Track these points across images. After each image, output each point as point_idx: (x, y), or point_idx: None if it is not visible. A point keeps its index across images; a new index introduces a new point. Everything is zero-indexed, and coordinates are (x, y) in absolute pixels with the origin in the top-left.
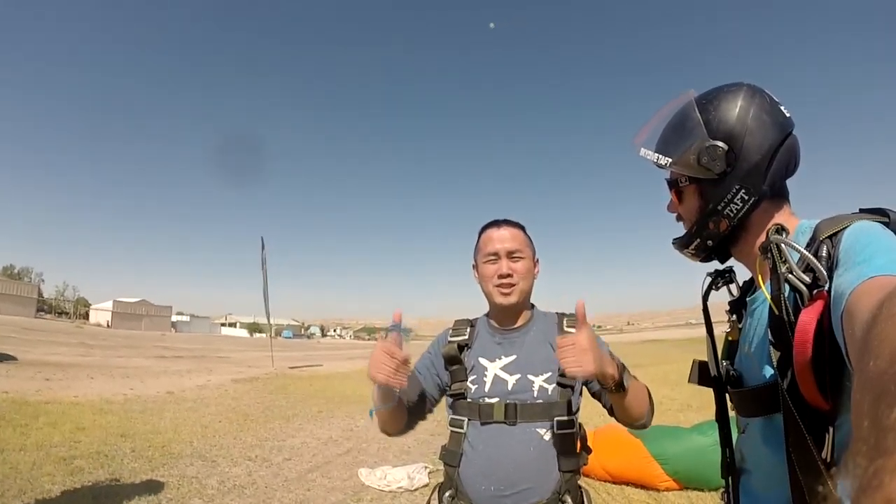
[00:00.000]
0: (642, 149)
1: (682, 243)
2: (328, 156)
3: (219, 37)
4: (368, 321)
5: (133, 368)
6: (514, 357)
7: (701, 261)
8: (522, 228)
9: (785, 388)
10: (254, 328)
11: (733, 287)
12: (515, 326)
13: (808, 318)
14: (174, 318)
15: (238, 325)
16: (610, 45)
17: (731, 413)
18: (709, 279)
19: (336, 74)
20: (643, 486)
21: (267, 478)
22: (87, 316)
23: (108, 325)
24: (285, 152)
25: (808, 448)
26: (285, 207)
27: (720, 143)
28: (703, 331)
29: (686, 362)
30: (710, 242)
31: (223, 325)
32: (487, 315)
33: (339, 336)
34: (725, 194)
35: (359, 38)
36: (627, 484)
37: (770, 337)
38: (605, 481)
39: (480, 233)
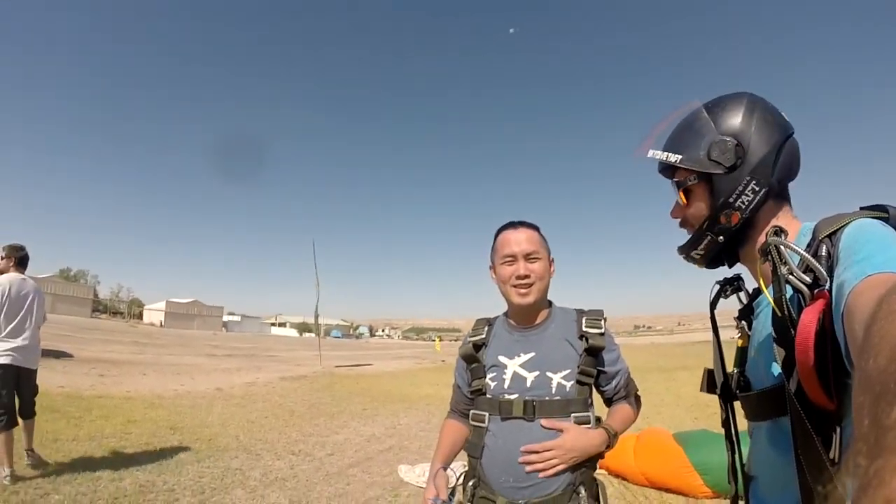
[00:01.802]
0: (650, 150)
1: (690, 244)
2: (376, 160)
3: (271, 48)
4: (417, 321)
5: (184, 366)
6: (532, 354)
7: (707, 265)
8: (537, 229)
9: (791, 390)
10: (303, 328)
11: (742, 295)
12: (534, 324)
13: (809, 318)
14: (225, 318)
15: (288, 325)
16: (626, 42)
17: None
18: (717, 287)
19: (379, 80)
20: (683, 493)
21: (308, 471)
22: (140, 316)
23: (161, 325)
24: (335, 157)
25: (815, 449)
26: (335, 210)
27: (729, 138)
28: None
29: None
30: (721, 238)
31: (273, 325)
32: (506, 314)
33: (388, 336)
34: (737, 186)
35: (401, 46)
36: (667, 490)
37: (774, 339)
38: (644, 486)
39: (497, 235)
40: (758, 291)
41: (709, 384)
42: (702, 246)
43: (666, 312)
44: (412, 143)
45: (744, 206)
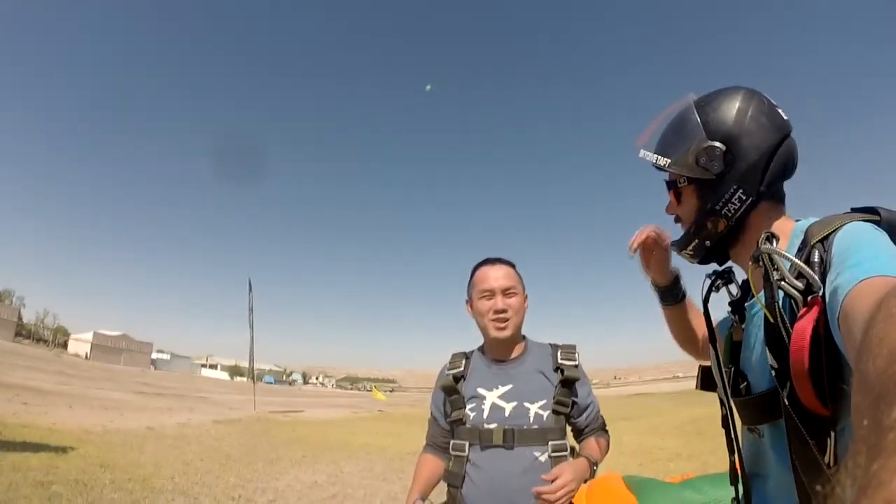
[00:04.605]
0: (642, 150)
1: (680, 244)
2: (315, 199)
3: (227, 59)
4: (351, 370)
5: (112, 401)
6: (510, 386)
7: (699, 262)
8: (513, 266)
9: (785, 395)
10: (235, 371)
11: (733, 287)
12: (510, 358)
13: (803, 325)
14: (154, 355)
15: (219, 367)
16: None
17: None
18: (708, 281)
19: (326, 107)
20: None
21: None
22: (65, 345)
23: (86, 357)
24: (272, 193)
25: (811, 453)
26: (271, 252)
27: (718, 144)
28: (691, 384)
29: (674, 414)
30: (708, 243)
31: (203, 366)
32: (482, 348)
33: (321, 384)
34: (723, 194)
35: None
36: None
37: (767, 345)
38: None
39: (475, 270)
40: (748, 286)
41: (705, 382)
42: (691, 247)
43: (602, 366)
44: (353, 185)
45: (730, 215)
